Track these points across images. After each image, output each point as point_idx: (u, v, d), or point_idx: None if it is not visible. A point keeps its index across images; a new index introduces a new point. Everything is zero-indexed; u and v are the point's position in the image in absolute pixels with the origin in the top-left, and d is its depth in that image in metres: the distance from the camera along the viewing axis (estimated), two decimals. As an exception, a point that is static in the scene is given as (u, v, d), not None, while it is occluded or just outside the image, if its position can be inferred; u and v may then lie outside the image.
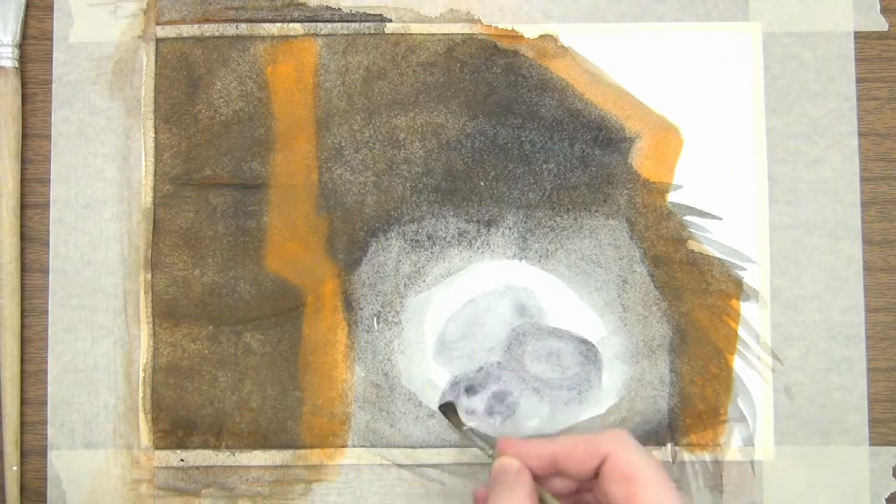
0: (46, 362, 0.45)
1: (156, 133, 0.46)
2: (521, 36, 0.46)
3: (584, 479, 0.37)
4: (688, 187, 0.45)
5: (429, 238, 0.45)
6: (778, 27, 0.46)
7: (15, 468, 0.44)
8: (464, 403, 0.44)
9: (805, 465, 0.44)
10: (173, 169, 0.46)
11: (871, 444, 0.45)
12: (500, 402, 0.44)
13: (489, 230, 0.45)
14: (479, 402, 0.44)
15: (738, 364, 0.45)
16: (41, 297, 0.45)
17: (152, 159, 0.46)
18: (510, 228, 0.45)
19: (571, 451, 0.37)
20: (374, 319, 0.45)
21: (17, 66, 0.45)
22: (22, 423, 0.45)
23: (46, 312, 0.45)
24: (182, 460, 0.44)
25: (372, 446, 0.44)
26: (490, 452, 0.40)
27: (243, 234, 0.45)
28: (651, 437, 0.44)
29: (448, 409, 0.44)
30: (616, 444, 0.36)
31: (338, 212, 0.45)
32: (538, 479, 0.38)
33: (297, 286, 0.45)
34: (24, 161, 0.46)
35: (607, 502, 0.37)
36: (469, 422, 0.44)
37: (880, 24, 0.46)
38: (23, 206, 0.46)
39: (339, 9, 0.46)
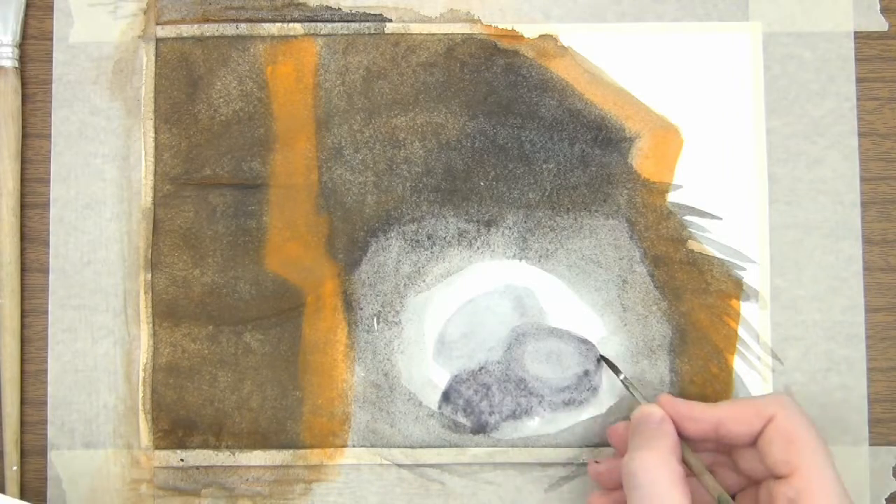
0: (46, 362, 0.45)
1: (156, 133, 0.46)
2: (521, 36, 0.46)
3: (741, 444, 0.37)
4: (688, 187, 0.45)
5: (429, 238, 0.45)
6: (778, 27, 0.46)
7: (15, 468, 0.44)
8: (461, 403, 0.44)
9: (805, 465, 0.44)
10: (173, 169, 0.46)
11: (871, 444, 0.45)
12: (499, 402, 0.44)
13: (489, 230, 0.45)
14: (478, 401, 0.44)
15: (738, 364, 0.45)
16: (41, 297, 0.45)
17: (152, 159, 0.46)
18: (510, 228, 0.45)
19: (737, 414, 0.37)
20: (374, 319, 0.45)
21: (17, 66, 0.45)
22: (22, 423, 0.45)
23: (46, 312, 0.45)
24: (182, 460, 0.44)
25: (372, 446, 0.44)
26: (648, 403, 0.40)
27: (243, 234, 0.45)
28: (651, 437, 0.44)
29: (604, 359, 0.43)
30: (782, 406, 0.36)
31: (338, 212, 0.45)
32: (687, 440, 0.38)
33: (297, 286, 0.45)
34: (24, 161, 0.46)
35: (749, 467, 0.37)
36: (466, 421, 0.44)
37: (880, 24, 0.46)
38: (23, 206, 0.46)
39: (339, 9, 0.46)
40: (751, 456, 0.37)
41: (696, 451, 0.39)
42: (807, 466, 0.35)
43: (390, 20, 0.46)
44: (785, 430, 0.36)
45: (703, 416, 0.37)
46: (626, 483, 0.36)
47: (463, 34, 0.46)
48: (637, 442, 0.37)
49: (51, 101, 0.46)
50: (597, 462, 0.41)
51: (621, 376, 0.42)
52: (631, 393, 0.42)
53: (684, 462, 0.37)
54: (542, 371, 0.44)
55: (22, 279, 0.45)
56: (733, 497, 0.39)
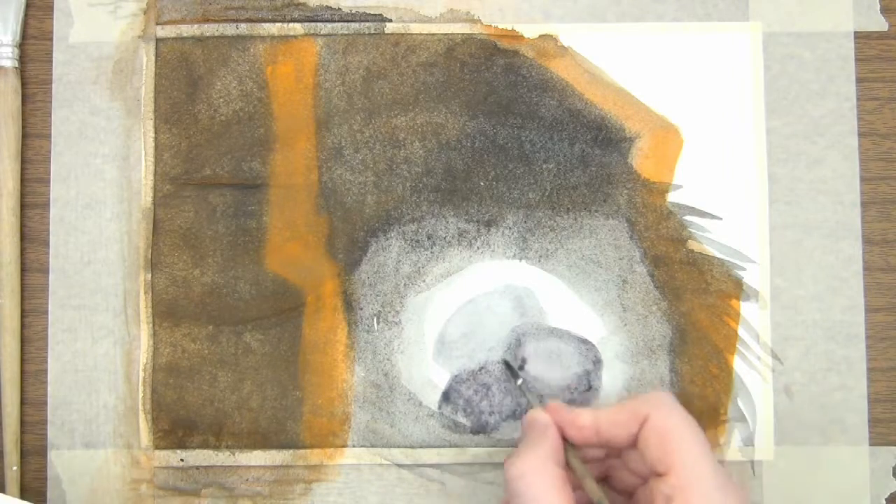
0: (46, 362, 0.45)
1: (156, 133, 0.46)
2: (521, 36, 0.46)
3: (624, 446, 0.37)
4: (688, 187, 0.45)
5: (429, 238, 0.45)
6: (778, 27, 0.46)
7: (15, 468, 0.44)
8: (461, 403, 0.44)
9: (805, 465, 0.44)
10: (173, 169, 0.46)
11: (871, 444, 0.45)
12: (499, 401, 0.44)
13: (489, 230, 0.45)
14: (478, 401, 0.44)
15: (738, 364, 0.45)
16: (41, 297, 0.45)
17: (152, 159, 0.46)
18: (510, 228, 0.45)
19: (614, 418, 0.37)
20: (374, 319, 0.45)
21: (17, 66, 0.45)
22: (22, 423, 0.45)
23: (46, 312, 0.45)
24: (182, 460, 0.44)
25: (372, 446, 0.44)
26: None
27: (243, 234, 0.45)
28: (651, 437, 0.44)
29: (506, 364, 0.43)
30: (655, 405, 0.36)
31: (338, 212, 0.45)
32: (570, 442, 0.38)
33: (297, 286, 0.45)
34: (24, 161, 0.46)
35: (637, 467, 0.38)
36: (466, 421, 0.44)
37: (880, 24, 0.46)
38: (23, 206, 0.46)
39: (339, 9, 0.46)
40: (637, 456, 0.37)
41: (587, 455, 0.39)
42: (681, 463, 0.35)
43: (390, 20, 0.46)
44: (658, 428, 0.36)
45: (584, 423, 0.37)
46: (507, 489, 0.36)
47: (463, 34, 0.46)
48: (520, 448, 0.37)
49: (51, 101, 0.46)
50: None
51: (518, 381, 0.42)
52: (526, 398, 0.42)
53: (570, 467, 0.38)
54: (542, 371, 0.44)
55: (22, 279, 0.45)
56: (631, 495, 0.39)
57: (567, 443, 0.38)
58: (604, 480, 0.40)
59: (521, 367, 0.44)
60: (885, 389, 0.45)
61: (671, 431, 0.35)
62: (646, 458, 0.36)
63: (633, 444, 0.37)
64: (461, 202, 0.45)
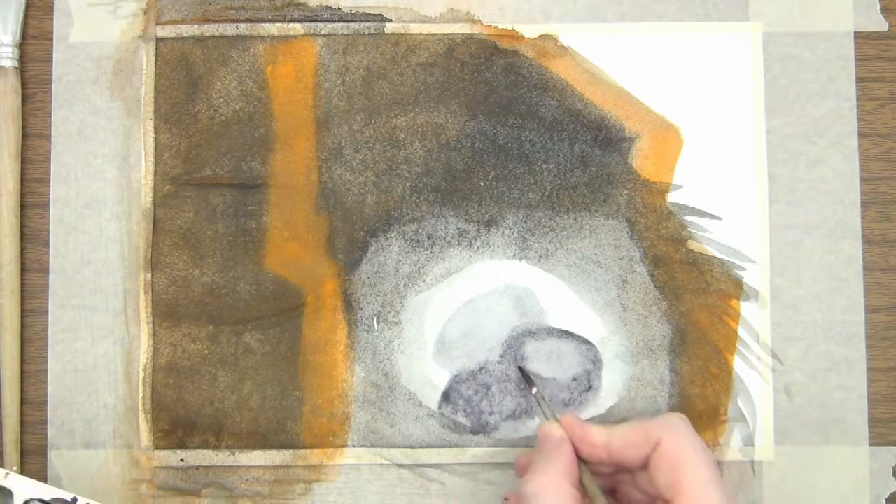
0: (46, 362, 0.45)
1: (156, 133, 0.46)
2: (521, 36, 0.46)
3: (634, 467, 0.37)
4: (688, 187, 0.45)
5: (429, 238, 0.45)
6: (778, 27, 0.46)
7: (15, 468, 0.44)
8: (461, 403, 0.44)
9: (805, 465, 0.44)
10: (173, 169, 0.46)
11: (871, 444, 0.45)
12: (499, 402, 0.44)
13: (489, 230, 0.45)
14: (478, 401, 0.44)
15: (738, 364, 0.45)
16: (41, 297, 0.45)
17: (152, 159, 0.46)
18: (510, 228, 0.45)
19: (627, 439, 0.37)
20: (374, 319, 0.45)
21: (17, 66, 0.45)
22: (22, 423, 0.45)
23: (46, 312, 0.45)
24: (182, 460, 0.44)
25: (372, 446, 0.44)
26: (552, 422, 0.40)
27: (243, 234, 0.45)
28: (651, 437, 0.44)
29: (521, 371, 0.43)
30: (668, 430, 0.36)
31: (338, 212, 0.45)
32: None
33: (297, 286, 0.45)
34: (24, 161, 0.46)
35: (646, 487, 0.38)
36: (466, 421, 0.44)
37: (880, 24, 0.46)
38: (23, 206, 0.46)
39: (339, 9, 0.46)
40: (646, 476, 0.37)
41: (598, 470, 0.39)
42: (689, 492, 0.35)
43: (390, 20, 0.46)
44: (669, 454, 0.36)
45: (597, 442, 0.37)
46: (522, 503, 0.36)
47: (463, 34, 0.46)
48: (535, 463, 0.37)
49: (51, 101, 0.46)
50: (506, 500, 0.41)
51: (534, 390, 0.42)
52: (541, 409, 0.42)
53: (582, 484, 0.38)
54: (542, 371, 0.44)
55: (22, 279, 0.45)
56: None
57: (580, 459, 0.38)
58: (611, 494, 0.40)
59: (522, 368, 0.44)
60: (885, 389, 0.45)
61: (682, 459, 0.35)
62: (655, 482, 0.36)
63: (644, 465, 0.37)
64: (461, 202, 0.45)
